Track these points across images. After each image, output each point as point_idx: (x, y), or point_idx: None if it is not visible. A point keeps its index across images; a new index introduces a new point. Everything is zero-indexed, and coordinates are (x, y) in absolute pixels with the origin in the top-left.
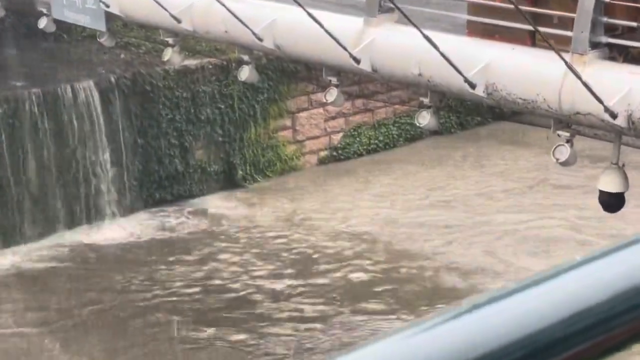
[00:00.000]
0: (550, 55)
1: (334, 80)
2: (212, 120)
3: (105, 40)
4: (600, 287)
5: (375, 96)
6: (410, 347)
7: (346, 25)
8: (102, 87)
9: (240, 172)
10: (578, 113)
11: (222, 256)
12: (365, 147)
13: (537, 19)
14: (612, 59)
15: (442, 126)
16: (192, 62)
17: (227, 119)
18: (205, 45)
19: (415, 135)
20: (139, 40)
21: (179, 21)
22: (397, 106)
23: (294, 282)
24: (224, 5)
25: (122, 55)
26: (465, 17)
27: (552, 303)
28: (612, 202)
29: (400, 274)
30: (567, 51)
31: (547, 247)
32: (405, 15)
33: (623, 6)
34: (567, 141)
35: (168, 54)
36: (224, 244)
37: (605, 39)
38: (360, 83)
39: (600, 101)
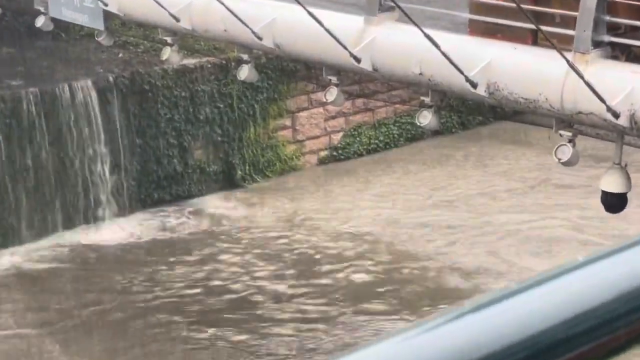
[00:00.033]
0: (553, 54)
1: (334, 79)
2: (211, 119)
3: (103, 39)
4: (602, 288)
5: (375, 95)
6: (412, 347)
7: (346, 24)
8: (100, 86)
9: (239, 172)
10: (580, 112)
11: (222, 257)
12: (365, 146)
13: (539, 18)
14: (614, 58)
15: (443, 126)
16: (190, 61)
17: (226, 119)
18: (204, 44)
19: (416, 135)
20: (137, 39)
21: (177, 20)
22: (397, 106)
23: (296, 283)
24: (223, 3)
25: (121, 54)
26: (467, 15)
27: (555, 304)
28: (615, 203)
29: (402, 274)
30: (570, 50)
31: (550, 247)
32: (406, 14)
33: (626, 5)
34: (569, 141)
35: (167, 53)
36: (224, 245)
37: (607, 38)
38: (361, 82)
39: (602, 100)
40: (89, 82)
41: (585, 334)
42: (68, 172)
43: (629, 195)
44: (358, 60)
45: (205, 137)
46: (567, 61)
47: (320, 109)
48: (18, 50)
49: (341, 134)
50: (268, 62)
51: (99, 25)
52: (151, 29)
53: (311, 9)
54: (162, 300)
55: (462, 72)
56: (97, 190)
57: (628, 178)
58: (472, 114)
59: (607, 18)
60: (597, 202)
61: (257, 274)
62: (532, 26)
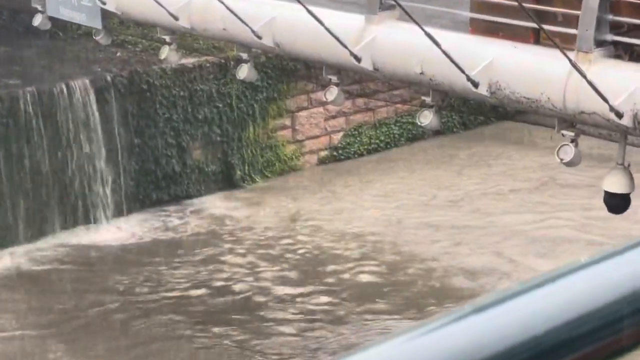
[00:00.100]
0: (555, 53)
1: (334, 78)
2: (210, 119)
3: (101, 38)
4: (606, 289)
5: (376, 95)
6: (415, 348)
7: (347, 22)
8: (98, 85)
9: (238, 173)
10: (583, 112)
11: (223, 258)
12: (366, 146)
13: (541, 17)
14: (617, 57)
15: (445, 126)
16: (189, 61)
17: (225, 118)
18: (203, 43)
19: (417, 135)
20: (135, 38)
21: (176, 18)
22: (398, 105)
23: (299, 283)
24: (222, 2)
25: (119, 54)
26: (469, 14)
27: (558, 304)
28: (618, 203)
29: (407, 274)
30: (572, 49)
31: (554, 247)
32: (407, 13)
33: (629, 3)
34: (572, 141)
35: (165, 52)
36: (222, 245)
37: (610, 37)
38: (361, 82)
39: (605, 100)
40: (87, 82)
41: (589, 335)
42: (65, 172)
43: (632, 196)
44: (358, 59)
45: (204, 137)
46: (570, 60)
47: (320, 109)
48: (15, 49)
49: (341, 133)
50: (267, 61)
51: (97, 24)
52: (149, 28)
53: (311, 8)
54: (162, 300)
55: (463, 72)
56: (95, 191)
57: (631, 178)
58: (474, 113)
59: (610, 17)
60: (602, 202)
61: (261, 275)
62: (534, 25)
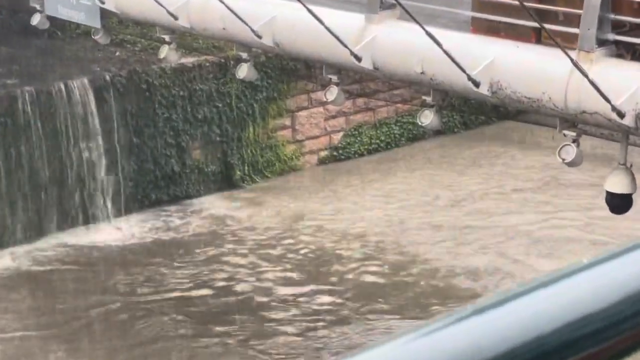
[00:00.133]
0: (556, 52)
1: (334, 78)
2: (210, 119)
3: (100, 38)
4: (609, 289)
5: (376, 95)
6: (418, 348)
7: (347, 22)
8: (97, 85)
9: (238, 173)
10: (584, 112)
11: (223, 258)
12: (366, 146)
13: (542, 16)
14: (619, 56)
15: (445, 125)
16: (189, 60)
17: (224, 118)
18: (202, 42)
19: (417, 135)
20: (134, 38)
21: (175, 18)
22: (399, 105)
23: (302, 283)
24: (222, 1)
25: (118, 53)
26: (470, 13)
27: (561, 305)
28: (620, 204)
29: (410, 274)
30: (574, 48)
31: (559, 247)
32: (407, 12)
33: (630, 2)
34: (574, 141)
35: (164, 51)
36: (224, 245)
37: (612, 36)
38: (362, 81)
39: (607, 100)
40: (86, 81)
41: (593, 336)
42: (64, 172)
43: (634, 196)
44: (359, 58)
45: (203, 136)
46: (571, 60)
47: (321, 109)
48: (13, 49)
49: (341, 133)
50: (267, 61)
51: (96, 23)
52: (149, 27)
53: (311, 7)
54: (164, 300)
55: (464, 71)
56: (93, 191)
57: (633, 179)
58: (475, 113)
59: (612, 16)
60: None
61: (263, 275)
62: (536, 24)
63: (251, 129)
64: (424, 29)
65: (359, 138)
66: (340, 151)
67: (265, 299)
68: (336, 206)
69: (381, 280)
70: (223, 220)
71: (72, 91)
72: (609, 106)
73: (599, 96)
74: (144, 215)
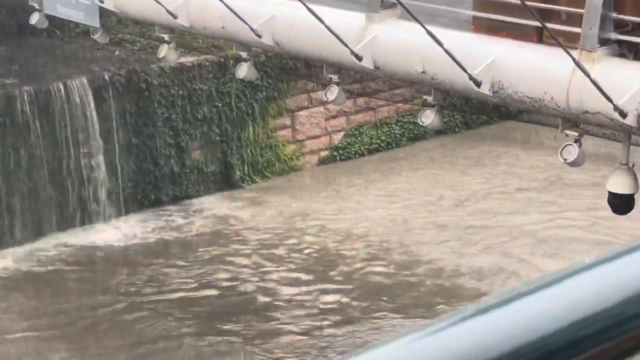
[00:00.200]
0: (558, 52)
1: (334, 77)
2: (209, 119)
3: (99, 37)
4: (613, 289)
5: (377, 94)
6: (422, 348)
7: (348, 21)
8: (96, 84)
9: (238, 173)
10: (586, 112)
11: (224, 259)
12: (367, 146)
13: (544, 15)
14: (621, 56)
15: (447, 125)
16: (188, 59)
17: (224, 118)
18: (202, 41)
19: (418, 135)
20: (133, 37)
21: (175, 17)
22: (399, 105)
23: (306, 283)
24: (221, 0)
25: (117, 52)
26: (471, 13)
27: (564, 305)
28: (622, 204)
29: (415, 274)
30: (576, 48)
31: (563, 247)
32: (408, 11)
33: (633, 1)
34: (576, 141)
35: (164, 50)
36: (224, 245)
37: (614, 36)
38: (362, 81)
39: (609, 99)
40: (85, 81)
41: (596, 336)
42: (63, 172)
43: (636, 197)
44: (359, 58)
45: (203, 136)
46: (573, 59)
47: (321, 108)
48: (12, 48)
49: (342, 133)
50: (267, 60)
51: (95, 22)
52: (148, 27)
53: (311, 6)
54: (163, 300)
55: (465, 70)
56: (92, 191)
57: (635, 179)
58: (476, 113)
59: (614, 15)
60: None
61: (267, 275)
62: (538, 23)
63: (251, 129)
64: (425, 28)
65: (359, 138)
66: (341, 151)
67: (269, 299)
68: (339, 206)
69: (386, 280)
70: (226, 220)
71: (71, 91)
72: (611, 106)
73: (601, 96)
74: (143, 215)
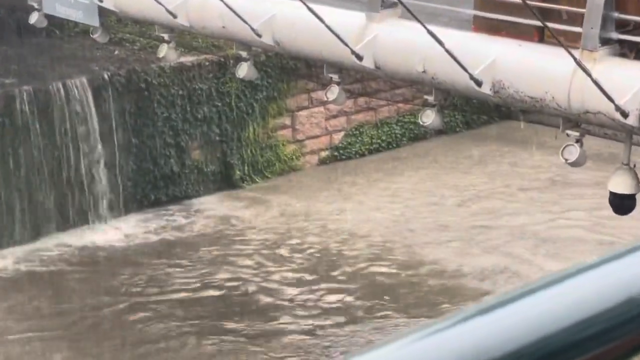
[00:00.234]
0: (559, 51)
1: (335, 77)
2: (209, 119)
3: (98, 36)
4: (616, 289)
5: (377, 94)
6: (424, 348)
7: (348, 20)
8: (96, 84)
9: (237, 173)
10: (588, 112)
11: (229, 259)
12: (367, 146)
13: (545, 14)
14: (623, 55)
15: (447, 125)
16: (188, 59)
17: (224, 118)
18: (202, 41)
19: (419, 135)
20: (133, 36)
21: (174, 16)
22: (400, 104)
23: (310, 283)
24: None
25: (116, 52)
26: (472, 12)
27: (567, 305)
28: (623, 204)
29: (418, 274)
30: (577, 48)
31: (566, 247)
32: (409, 10)
33: (635, 1)
34: (577, 141)
35: (163, 50)
36: (225, 245)
37: (616, 35)
38: (363, 80)
39: (610, 99)
40: (84, 80)
41: (598, 336)
42: (62, 172)
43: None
44: (360, 57)
45: (203, 136)
46: (575, 59)
47: (321, 108)
48: (11, 48)
49: (342, 133)
50: (267, 60)
51: (94, 21)
52: (148, 26)
53: (312, 5)
54: (164, 300)
55: (466, 70)
56: (91, 191)
57: (637, 179)
58: (477, 113)
59: (616, 15)
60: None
61: (269, 276)
62: (539, 23)
63: (251, 129)
64: (425, 27)
65: (360, 138)
66: (341, 151)
67: (272, 299)
68: (344, 206)
69: (389, 280)
70: (227, 221)
71: (70, 90)
72: (612, 106)
73: (602, 96)
74: (143, 215)
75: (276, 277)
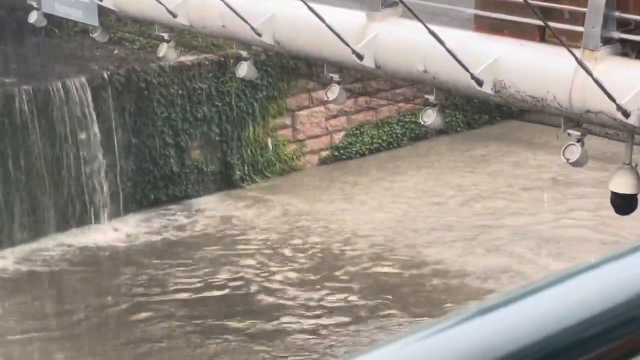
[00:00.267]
0: (561, 51)
1: (335, 77)
2: (209, 118)
3: (98, 36)
4: (618, 289)
5: (378, 94)
6: (426, 347)
7: (348, 19)
8: (95, 84)
9: (237, 173)
10: (589, 111)
11: (220, 259)
12: (367, 146)
13: (547, 14)
14: (624, 55)
15: (448, 125)
16: (188, 58)
17: (224, 118)
18: (201, 40)
19: (419, 135)
20: (133, 36)
21: (174, 15)
22: (401, 104)
23: (312, 283)
24: None
25: (116, 51)
26: (472, 11)
27: (569, 305)
28: (625, 204)
29: (421, 274)
30: (578, 47)
31: (569, 247)
32: (409, 10)
33: (636, 0)
34: (578, 140)
35: (163, 49)
36: (219, 246)
37: (617, 35)
38: (363, 80)
39: (612, 99)
40: (84, 80)
41: (601, 336)
42: (62, 172)
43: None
44: (360, 57)
45: (202, 136)
46: (576, 58)
47: (322, 108)
48: (10, 47)
49: (343, 133)
50: (268, 59)
51: (94, 21)
52: (147, 25)
53: (312, 4)
54: (164, 300)
55: (467, 70)
56: (91, 191)
57: (638, 179)
58: (478, 112)
59: (617, 14)
60: None
61: (271, 276)
62: (540, 22)
63: (251, 129)
64: (426, 26)
65: (360, 138)
66: (342, 151)
67: (274, 299)
68: (344, 206)
69: (392, 280)
70: (229, 220)
71: (69, 90)
72: (614, 105)
73: (603, 95)
74: (143, 215)
75: (278, 277)
